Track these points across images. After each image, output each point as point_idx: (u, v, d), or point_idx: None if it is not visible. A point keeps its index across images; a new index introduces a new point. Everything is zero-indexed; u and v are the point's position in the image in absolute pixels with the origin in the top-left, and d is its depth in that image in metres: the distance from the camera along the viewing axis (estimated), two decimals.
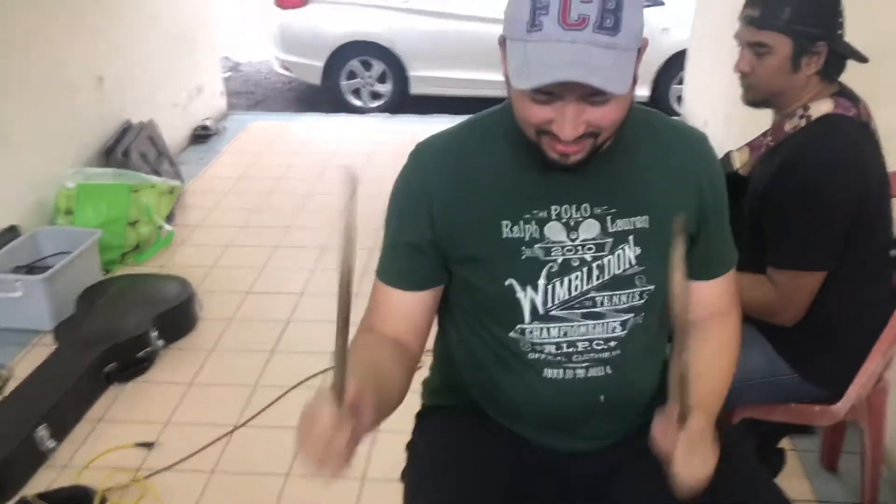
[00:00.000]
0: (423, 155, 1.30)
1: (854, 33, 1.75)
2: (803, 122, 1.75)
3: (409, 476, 1.37)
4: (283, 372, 2.87)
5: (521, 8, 1.04)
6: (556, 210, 1.22)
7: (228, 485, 2.37)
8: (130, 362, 2.82)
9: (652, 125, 1.28)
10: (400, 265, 1.30)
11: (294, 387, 2.78)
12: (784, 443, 2.34)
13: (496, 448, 1.34)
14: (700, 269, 1.32)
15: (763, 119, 1.88)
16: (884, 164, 1.79)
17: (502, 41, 1.12)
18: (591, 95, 1.06)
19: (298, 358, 2.96)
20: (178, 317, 3.07)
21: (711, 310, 1.35)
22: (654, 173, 1.26)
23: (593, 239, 1.22)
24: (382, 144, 5.27)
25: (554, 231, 1.22)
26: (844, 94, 1.77)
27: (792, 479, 2.31)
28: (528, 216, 1.22)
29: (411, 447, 1.43)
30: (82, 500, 2.21)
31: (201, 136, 5.23)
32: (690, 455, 1.11)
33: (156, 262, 3.66)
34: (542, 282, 1.22)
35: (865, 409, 1.97)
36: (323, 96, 6.38)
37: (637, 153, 1.25)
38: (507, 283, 1.22)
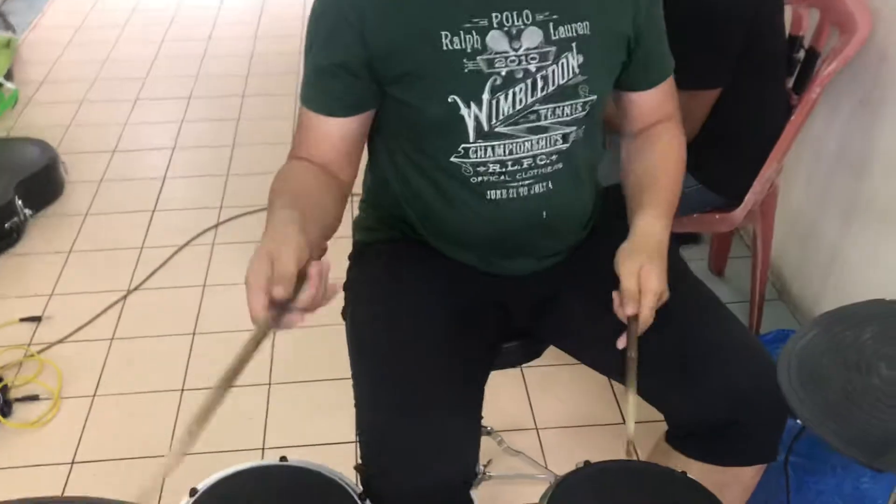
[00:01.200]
0: None
1: None
2: None
3: (350, 314, 1.34)
4: (169, 231, 2.74)
5: None
6: (496, 17, 1.15)
7: (131, 349, 2.28)
8: None
9: None
10: (327, 89, 1.20)
11: (184, 245, 2.66)
12: None
13: (437, 276, 1.32)
14: (641, 78, 1.31)
15: None
16: None
17: None
18: None
19: (182, 216, 2.82)
20: (42, 182, 2.83)
21: (655, 117, 1.35)
22: None
23: (536, 48, 1.17)
24: None
25: (496, 40, 1.15)
26: None
27: None
28: (468, 25, 1.14)
29: (349, 285, 1.38)
30: None
31: None
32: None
33: (1, 125, 3.33)
34: (486, 96, 1.16)
35: (759, 214, 2.08)
36: None
37: None
38: (449, 99, 1.16)
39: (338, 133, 1.22)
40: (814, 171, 2.18)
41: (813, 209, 2.20)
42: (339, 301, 1.39)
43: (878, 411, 0.84)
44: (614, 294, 1.21)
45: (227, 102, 3.53)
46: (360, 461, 1.14)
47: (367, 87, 1.19)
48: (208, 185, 2.98)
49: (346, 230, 1.34)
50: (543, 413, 2.06)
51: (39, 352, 2.25)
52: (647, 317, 1.18)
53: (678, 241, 2.39)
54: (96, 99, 3.58)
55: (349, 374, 1.28)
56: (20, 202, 2.69)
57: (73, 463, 1.95)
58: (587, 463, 1.10)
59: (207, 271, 2.55)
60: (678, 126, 1.38)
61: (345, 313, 1.37)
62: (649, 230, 1.22)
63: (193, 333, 2.32)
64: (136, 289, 2.49)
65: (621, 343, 1.20)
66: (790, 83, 2.01)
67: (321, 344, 1.96)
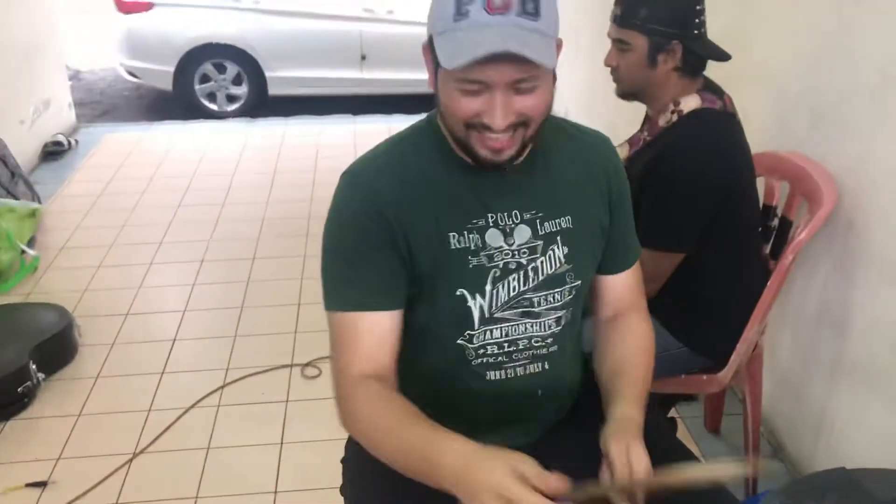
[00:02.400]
0: (365, 177, 1.28)
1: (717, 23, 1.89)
2: (675, 117, 1.88)
3: (347, 491, 1.40)
4: (176, 393, 2.81)
5: (446, 5, 1.11)
6: (492, 217, 1.27)
7: None
8: (10, 399, 2.68)
9: (563, 129, 1.36)
10: (370, 282, 1.26)
11: (190, 408, 2.72)
12: (672, 412, 2.51)
13: None
14: (613, 262, 1.41)
15: (629, 109, 2.01)
16: (748, 149, 1.95)
17: (427, 45, 1.17)
18: (519, 83, 1.13)
19: (190, 377, 2.89)
20: (57, 346, 2.92)
21: (626, 303, 1.44)
22: (570, 174, 1.34)
23: (526, 243, 1.28)
24: (248, 150, 5.18)
25: (493, 237, 1.27)
26: (709, 87, 1.91)
27: None
28: (469, 226, 1.26)
29: (346, 462, 1.45)
30: None
31: (53, 152, 4.97)
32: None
33: (22, 290, 3.47)
34: (488, 287, 1.27)
35: (745, 375, 2.15)
36: (175, 102, 6.19)
37: (553, 157, 1.32)
38: (458, 293, 1.27)
39: (390, 327, 1.26)
40: (798, 332, 2.26)
41: (800, 368, 2.26)
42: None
43: None
44: (603, 471, 1.22)
45: (238, 266, 3.67)
46: None
47: (404, 279, 1.27)
48: (215, 348, 3.07)
49: None
50: None
51: None
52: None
53: (673, 399, 2.46)
54: (113, 263, 3.73)
55: None
56: (34, 367, 2.77)
57: None
58: None
59: (212, 434, 2.60)
60: (646, 317, 1.47)
61: (343, 490, 1.42)
62: (629, 415, 1.27)
63: (196, 497, 2.34)
64: (141, 452, 2.53)
65: None
66: (767, 249, 2.13)
67: None
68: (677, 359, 2.01)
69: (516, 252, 1.28)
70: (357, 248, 1.26)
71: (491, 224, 1.27)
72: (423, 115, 1.34)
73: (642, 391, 1.34)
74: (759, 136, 2.19)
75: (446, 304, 1.27)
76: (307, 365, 2.91)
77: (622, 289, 1.44)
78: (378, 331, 1.25)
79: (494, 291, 1.28)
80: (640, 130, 1.98)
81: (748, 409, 2.19)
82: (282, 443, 2.54)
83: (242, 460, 2.48)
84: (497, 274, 1.27)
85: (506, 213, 1.28)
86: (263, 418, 2.67)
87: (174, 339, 3.13)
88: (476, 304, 1.27)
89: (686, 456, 1.39)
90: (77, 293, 3.45)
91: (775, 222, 2.13)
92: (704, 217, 1.85)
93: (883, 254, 1.86)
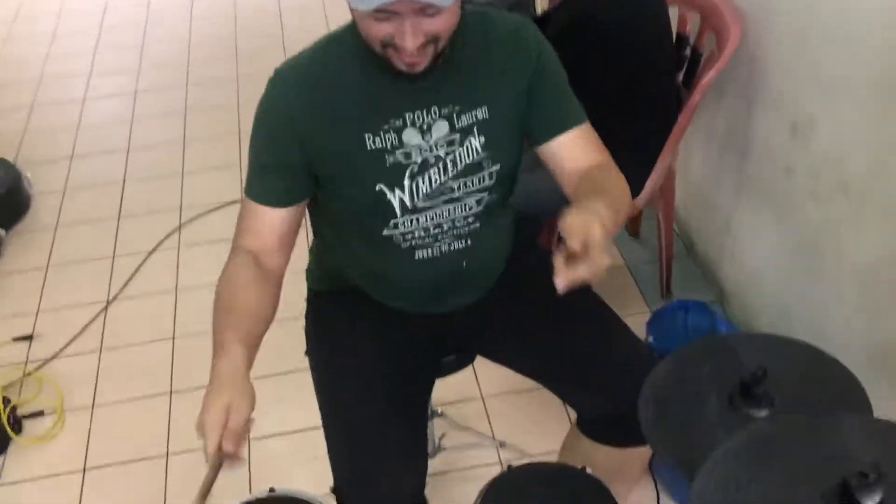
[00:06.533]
0: (283, 81, 1.40)
1: None
2: None
3: (311, 357, 1.63)
4: (136, 238, 2.97)
5: None
6: (409, 117, 1.39)
7: (120, 359, 2.55)
8: None
9: (484, 20, 1.44)
10: (269, 184, 1.43)
11: (152, 251, 2.90)
12: None
13: (380, 322, 1.60)
14: (549, 126, 1.47)
15: None
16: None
17: None
18: (424, 9, 1.21)
19: (146, 220, 3.04)
20: (10, 201, 3.03)
21: (587, 161, 1.47)
22: (486, 65, 1.43)
23: (444, 136, 1.42)
24: None
25: (410, 136, 1.40)
26: None
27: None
28: (386, 126, 1.39)
29: (307, 330, 1.67)
30: None
31: None
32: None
33: None
34: (406, 181, 1.42)
35: (658, 195, 2.38)
36: None
37: (469, 50, 1.41)
38: (377, 188, 1.41)
39: (278, 221, 1.44)
40: (708, 151, 2.48)
41: (710, 184, 2.50)
42: (303, 344, 1.69)
43: (705, 437, 1.15)
44: (556, 256, 1.13)
45: (173, 95, 3.69)
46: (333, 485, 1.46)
47: (305, 182, 1.44)
48: (166, 187, 3.18)
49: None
50: (487, 382, 2.38)
51: (36, 369, 2.51)
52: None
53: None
54: (45, 101, 3.71)
55: None
56: None
57: (84, 470, 2.25)
58: (510, 468, 1.43)
59: (177, 275, 2.80)
60: (615, 168, 1.50)
61: (307, 353, 1.65)
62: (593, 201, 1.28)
63: (173, 338, 2.59)
64: (113, 299, 2.73)
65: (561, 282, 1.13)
66: (679, 78, 2.28)
67: None
68: None
69: (434, 146, 1.41)
70: (266, 146, 1.42)
71: (409, 123, 1.40)
72: None
73: (613, 203, 1.29)
74: None
75: (367, 200, 1.43)
76: None
77: (575, 153, 1.47)
78: (269, 223, 1.42)
79: (414, 185, 1.42)
80: None
81: (661, 224, 2.45)
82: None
83: (210, 298, 2.68)
84: (415, 170, 1.41)
85: (424, 111, 1.40)
86: (223, 256, 2.84)
87: (123, 181, 3.24)
88: (396, 197, 1.43)
89: (605, 312, 1.63)
90: (15, 136, 3.47)
91: (687, 51, 2.27)
92: (624, 76, 1.98)
93: (780, 88, 2.04)
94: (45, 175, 3.26)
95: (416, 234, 1.48)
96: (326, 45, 1.42)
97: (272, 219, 1.43)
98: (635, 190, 2.21)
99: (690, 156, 2.56)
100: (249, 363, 1.27)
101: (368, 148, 1.39)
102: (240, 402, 1.18)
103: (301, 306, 1.70)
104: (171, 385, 2.44)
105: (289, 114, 1.38)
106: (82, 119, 3.59)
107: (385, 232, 1.47)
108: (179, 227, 2.98)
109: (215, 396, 1.18)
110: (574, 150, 1.48)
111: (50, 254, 2.92)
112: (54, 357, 2.55)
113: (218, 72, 3.81)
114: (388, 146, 1.40)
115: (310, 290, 1.73)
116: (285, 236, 1.46)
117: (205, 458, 1.15)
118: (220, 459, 1.15)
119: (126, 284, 2.78)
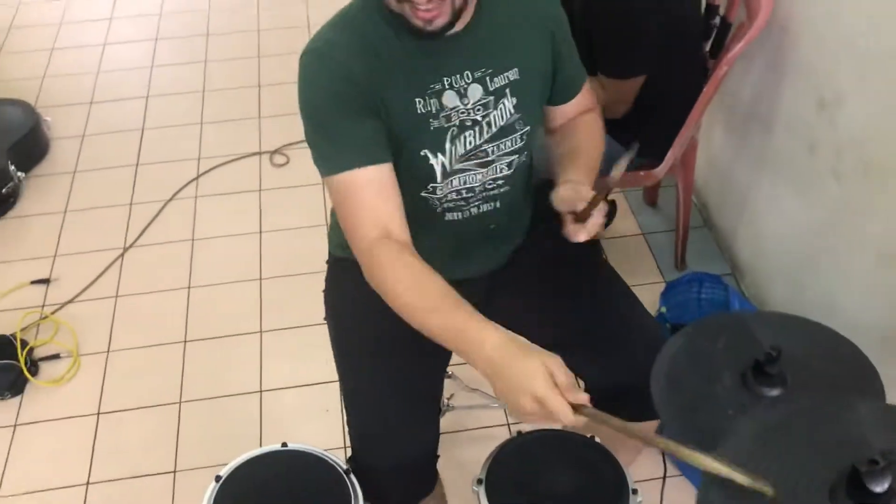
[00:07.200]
0: (330, 51, 1.35)
1: None
2: None
3: (330, 321, 1.64)
4: (153, 186, 2.98)
5: None
6: (447, 80, 1.39)
7: (135, 306, 2.57)
8: None
9: None
10: (356, 143, 1.33)
11: (169, 200, 2.91)
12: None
13: None
14: (562, 96, 1.54)
15: None
16: None
17: None
18: None
19: (164, 168, 3.05)
20: (30, 143, 3.03)
21: (576, 113, 1.59)
22: (514, 27, 1.43)
23: (479, 100, 1.41)
24: None
25: (450, 99, 1.39)
26: None
27: (621, 219, 2.75)
28: (430, 91, 1.38)
29: (327, 295, 1.68)
30: (6, 347, 2.36)
31: None
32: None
33: None
34: (447, 145, 1.42)
35: (680, 166, 2.37)
36: None
37: (497, 13, 1.41)
38: (422, 153, 1.41)
39: (386, 179, 1.34)
40: (730, 123, 2.46)
41: (730, 156, 2.48)
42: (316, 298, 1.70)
43: (716, 415, 1.16)
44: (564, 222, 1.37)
45: (194, 43, 3.67)
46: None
47: (385, 138, 1.37)
48: (185, 135, 3.18)
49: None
50: None
51: (53, 313, 2.54)
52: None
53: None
54: (65, 45, 3.70)
55: None
56: (13, 167, 2.90)
57: (98, 413, 2.28)
58: (519, 433, 1.44)
59: (194, 225, 2.82)
60: (598, 113, 1.61)
61: (326, 318, 1.66)
62: (576, 180, 1.43)
63: (189, 287, 2.61)
64: (130, 246, 2.75)
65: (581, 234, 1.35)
66: (707, 47, 2.25)
67: None
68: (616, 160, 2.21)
69: (471, 110, 1.41)
70: (336, 114, 1.35)
71: (447, 86, 1.39)
72: None
73: (592, 170, 1.49)
74: None
75: (412, 164, 1.42)
76: (275, 152, 3.06)
77: (572, 110, 1.58)
78: (375, 184, 1.33)
79: (452, 148, 1.43)
80: None
81: (680, 195, 2.44)
82: (260, 231, 2.76)
83: (226, 250, 2.72)
84: (454, 132, 1.41)
85: (458, 75, 1.39)
86: (240, 208, 2.87)
87: (142, 129, 3.24)
88: (438, 162, 1.43)
89: (618, 285, 1.64)
90: (35, 80, 3.47)
91: (717, 20, 2.23)
92: (654, 38, 1.95)
93: (810, 62, 2.01)
94: (64, 119, 3.26)
95: (450, 198, 1.49)
96: (352, 18, 1.39)
97: (377, 177, 1.34)
98: (657, 160, 2.22)
99: (712, 126, 2.53)
100: (498, 328, 1.21)
101: (418, 111, 1.38)
102: (546, 360, 1.15)
103: (315, 263, 1.70)
104: (186, 334, 2.47)
105: (350, 79, 1.33)
106: (102, 64, 3.58)
107: (423, 194, 1.47)
108: (197, 177, 2.99)
109: (523, 377, 1.13)
110: (572, 109, 1.58)
111: (68, 199, 2.94)
112: (70, 301, 2.57)
113: (239, 22, 3.78)
114: (433, 110, 1.39)
115: (330, 254, 1.73)
116: (400, 203, 1.38)
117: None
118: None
119: (143, 232, 2.80)
